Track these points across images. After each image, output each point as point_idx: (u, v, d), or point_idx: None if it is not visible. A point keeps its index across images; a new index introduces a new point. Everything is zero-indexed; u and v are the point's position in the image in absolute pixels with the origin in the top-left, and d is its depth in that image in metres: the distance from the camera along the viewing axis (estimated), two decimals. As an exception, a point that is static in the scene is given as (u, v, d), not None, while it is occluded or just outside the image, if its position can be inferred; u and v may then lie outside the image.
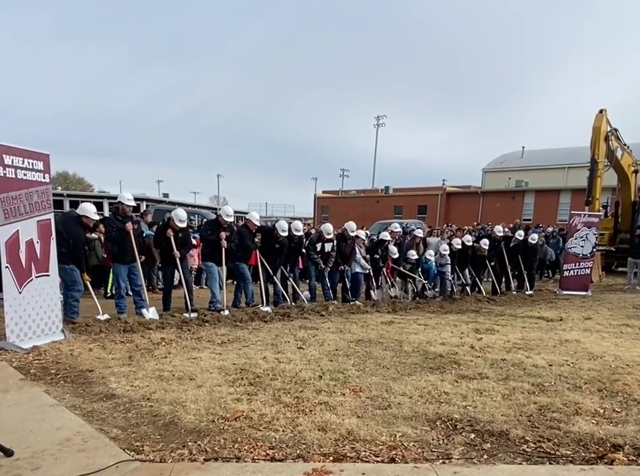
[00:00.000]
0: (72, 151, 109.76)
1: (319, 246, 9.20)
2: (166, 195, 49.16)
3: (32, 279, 5.39)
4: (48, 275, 5.66)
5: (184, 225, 7.59)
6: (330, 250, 9.26)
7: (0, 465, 2.65)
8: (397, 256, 10.06)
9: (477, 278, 11.62)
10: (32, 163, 5.56)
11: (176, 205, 42.50)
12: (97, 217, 6.71)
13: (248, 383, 4.33)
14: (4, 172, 5.18)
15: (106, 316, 6.72)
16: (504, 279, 12.01)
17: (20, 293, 5.22)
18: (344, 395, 4.13)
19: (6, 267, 5.09)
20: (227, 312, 7.56)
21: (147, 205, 37.99)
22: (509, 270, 11.80)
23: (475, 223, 19.53)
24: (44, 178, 5.72)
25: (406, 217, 36.09)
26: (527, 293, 11.82)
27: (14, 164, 5.31)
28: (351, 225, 9.63)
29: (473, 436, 3.42)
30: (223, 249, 7.74)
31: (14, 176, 5.30)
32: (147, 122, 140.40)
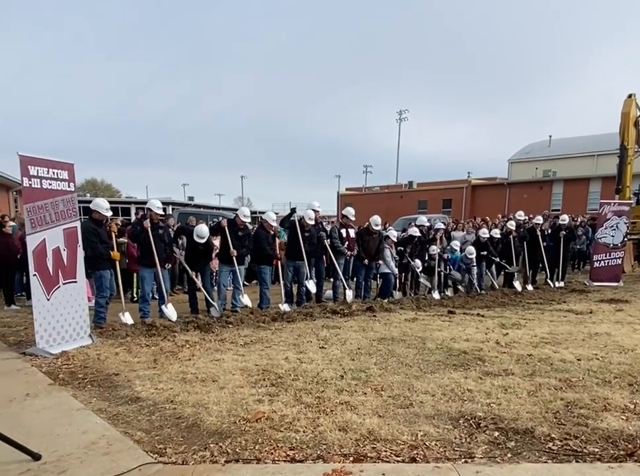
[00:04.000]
0: (100, 158, 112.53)
1: (343, 232, 9.17)
2: (191, 198, 49.81)
3: (59, 286, 5.52)
4: (75, 281, 5.79)
5: (203, 240, 7.64)
6: (354, 237, 9.22)
7: (29, 469, 2.73)
8: (420, 269, 10.00)
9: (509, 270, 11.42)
10: (57, 173, 5.68)
11: (201, 207, 43.08)
12: (109, 213, 6.80)
13: (269, 383, 4.35)
14: (30, 182, 5.32)
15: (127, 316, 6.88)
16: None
17: (48, 300, 5.36)
18: (365, 394, 4.11)
19: (34, 275, 5.23)
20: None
21: (173, 209, 38.68)
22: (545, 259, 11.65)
23: (501, 216, 19.13)
24: (69, 186, 5.85)
25: (431, 212, 35.71)
26: (557, 285, 11.61)
27: (40, 175, 5.43)
28: (375, 219, 9.52)
29: (496, 434, 3.36)
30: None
31: (39, 186, 5.43)
32: (172, 127, 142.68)
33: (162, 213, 7.38)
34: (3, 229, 8.34)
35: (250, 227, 8.87)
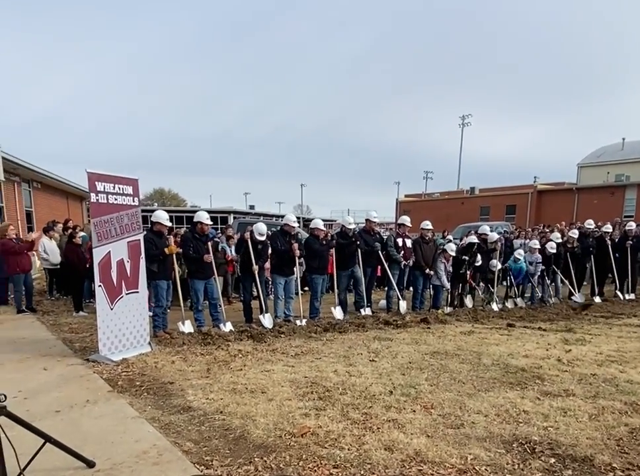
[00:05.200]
0: (169, 168, 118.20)
1: (400, 241, 9.08)
2: (252, 207, 51.09)
3: (122, 297, 5.80)
4: (137, 292, 6.06)
5: (263, 238, 7.89)
6: (410, 247, 9.13)
7: (83, 476, 2.88)
8: (479, 263, 9.66)
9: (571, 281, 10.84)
10: (122, 188, 5.96)
11: (261, 216, 43.96)
12: (169, 224, 7.07)
13: (317, 397, 4.35)
14: (97, 198, 5.62)
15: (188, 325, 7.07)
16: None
17: (111, 309, 5.63)
18: (414, 411, 4.03)
19: (100, 286, 5.52)
20: (299, 322, 7.72)
21: (234, 217, 39.78)
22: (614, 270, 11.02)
23: (565, 224, 18.18)
24: (134, 201, 6.11)
25: (494, 219, 34.55)
26: (627, 297, 10.90)
27: (106, 190, 5.72)
28: (425, 223, 9.48)
29: (552, 460, 3.19)
30: (297, 259, 7.88)
31: (105, 201, 5.72)
32: (238, 138, 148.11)
33: (211, 223, 7.58)
34: (73, 240, 8.88)
35: (299, 234, 9.01)
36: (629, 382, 4.75)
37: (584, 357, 5.72)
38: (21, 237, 13.22)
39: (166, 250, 6.82)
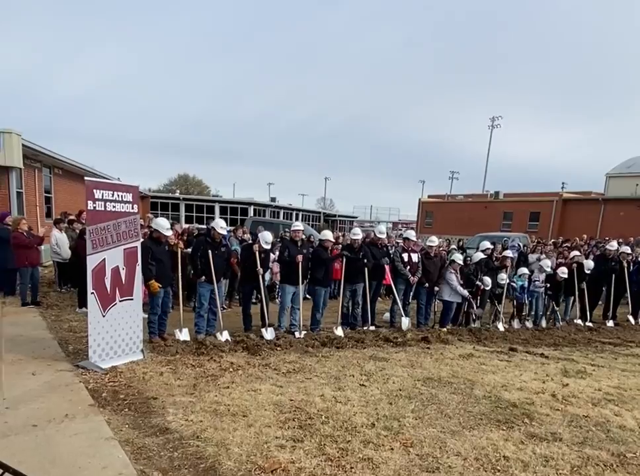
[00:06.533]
0: (195, 154, 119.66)
1: (405, 256, 8.96)
2: (273, 199, 51.06)
3: (115, 304, 5.81)
4: (132, 299, 6.07)
5: (269, 246, 7.90)
6: (417, 261, 9.00)
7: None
8: (489, 288, 9.46)
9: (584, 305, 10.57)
10: (121, 195, 5.94)
11: (281, 209, 43.80)
12: (170, 233, 7.02)
13: (298, 425, 4.30)
14: (94, 205, 5.62)
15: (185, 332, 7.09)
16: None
17: (103, 316, 5.65)
18: (392, 449, 3.95)
19: (92, 293, 5.55)
20: (298, 334, 7.70)
21: (255, 210, 39.85)
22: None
23: (587, 238, 17.75)
24: (132, 208, 6.12)
25: (516, 225, 34.04)
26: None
27: (104, 198, 5.72)
28: (431, 238, 9.44)
29: (523, 518, 3.09)
30: (300, 269, 7.85)
31: (103, 208, 5.73)
32: (267, 127, 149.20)
33: (225, 233, 7.62)
34: (84, 235, 8.96)
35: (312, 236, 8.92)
36: (621, 428, 4.59)
37: (580, 394, 5.55)
38: (38, 223, 13.50)
39: (150, 286, 6.69)
